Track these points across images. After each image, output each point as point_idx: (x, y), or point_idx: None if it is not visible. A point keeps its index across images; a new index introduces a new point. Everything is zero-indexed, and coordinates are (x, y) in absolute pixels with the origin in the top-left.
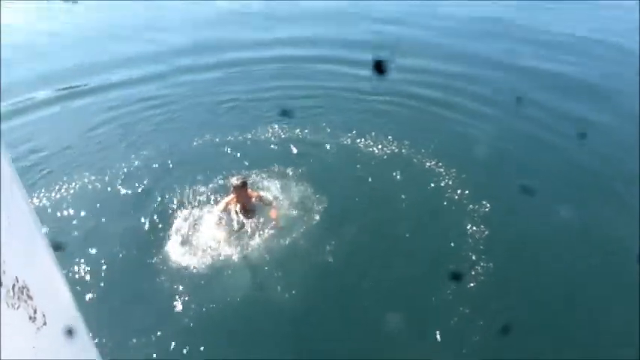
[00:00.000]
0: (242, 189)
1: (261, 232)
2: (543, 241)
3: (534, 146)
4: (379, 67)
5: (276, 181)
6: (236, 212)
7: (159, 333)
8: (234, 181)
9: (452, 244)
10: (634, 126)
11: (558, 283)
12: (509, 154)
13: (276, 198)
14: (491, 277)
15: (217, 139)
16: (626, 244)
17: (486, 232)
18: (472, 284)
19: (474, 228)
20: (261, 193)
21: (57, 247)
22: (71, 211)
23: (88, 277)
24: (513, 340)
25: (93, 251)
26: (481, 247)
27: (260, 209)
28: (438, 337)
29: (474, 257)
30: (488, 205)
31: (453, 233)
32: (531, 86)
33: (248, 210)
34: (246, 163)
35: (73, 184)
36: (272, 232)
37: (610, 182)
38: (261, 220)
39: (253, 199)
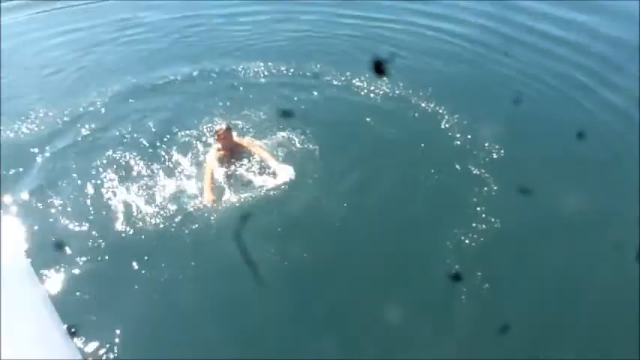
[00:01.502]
0: (228, 135)
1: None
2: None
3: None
4: (378, 68)
5: (262, 126)
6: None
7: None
8: (219, 127)
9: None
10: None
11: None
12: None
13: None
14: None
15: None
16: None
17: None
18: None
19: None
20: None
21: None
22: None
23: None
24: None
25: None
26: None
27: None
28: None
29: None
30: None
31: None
32: None
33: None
34: (221, 104)
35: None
36: (270, 190)
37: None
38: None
39: (252, 149)
